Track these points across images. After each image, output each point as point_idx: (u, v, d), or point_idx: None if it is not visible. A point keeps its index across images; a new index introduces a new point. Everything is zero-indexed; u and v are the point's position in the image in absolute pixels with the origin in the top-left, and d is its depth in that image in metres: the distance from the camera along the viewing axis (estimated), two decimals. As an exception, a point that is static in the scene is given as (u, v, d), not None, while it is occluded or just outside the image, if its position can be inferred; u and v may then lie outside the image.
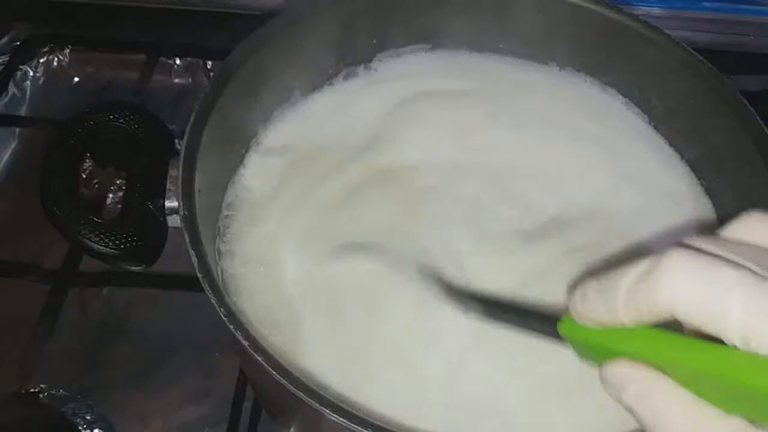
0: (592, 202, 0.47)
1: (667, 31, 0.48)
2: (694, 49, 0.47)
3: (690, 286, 0.22)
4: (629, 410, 0.24)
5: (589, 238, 0.44)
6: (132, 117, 0.43)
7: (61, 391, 0.52)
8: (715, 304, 0.21)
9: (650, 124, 0.51)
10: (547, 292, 0.41)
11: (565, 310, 0.27)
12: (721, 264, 0.22)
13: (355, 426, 0.32)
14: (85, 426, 0.50)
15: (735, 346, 0.21)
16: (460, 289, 0.41)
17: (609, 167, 0.49)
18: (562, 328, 0.27)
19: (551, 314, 0.28)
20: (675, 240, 0.23)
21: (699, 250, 0.23)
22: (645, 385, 0.24)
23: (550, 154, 0.49)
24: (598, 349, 0.25)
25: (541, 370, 0.39)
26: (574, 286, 0.26)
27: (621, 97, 0.52)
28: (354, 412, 0.32)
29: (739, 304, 0.21)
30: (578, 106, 0.52)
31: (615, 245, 0.44)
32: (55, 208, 0.40)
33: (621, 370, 0.24)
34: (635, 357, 0.24)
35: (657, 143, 0.51)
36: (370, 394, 0.38)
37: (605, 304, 0.24)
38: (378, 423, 0.32)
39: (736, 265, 0.22)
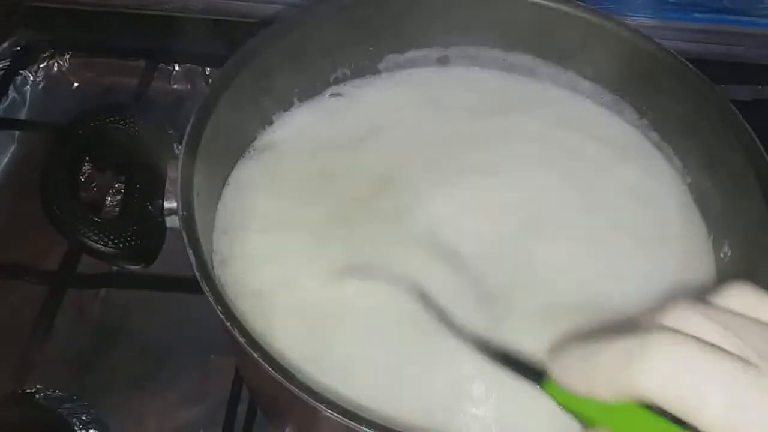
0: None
1: (658, 41, 0.49)
2: (685, 59, 0.48)
3: (669, 378, 0.21)
4: None
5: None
6: (132, 119, 0.44)
7: (57, 392, 0.52)
8: (693, 398, 0.21)
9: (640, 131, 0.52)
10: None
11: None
12: (703, 352, 0.21)
13: (351, 422, 0.32)
14: (80, 426, 0.50)
15: None
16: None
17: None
18: (546, 387, 0.27)
19: (540, 368, 0.27)
20: (661, 307, 0.23)
21: (680, 332, 0.22)
22: None
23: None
24: (580, 414, 0.25)
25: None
26: (555, 349, 0.25)
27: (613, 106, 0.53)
28: (350, 408, 0.32)
29: (719, 400, 0.20)
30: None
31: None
32: (54, 207, 0.40)
33: None
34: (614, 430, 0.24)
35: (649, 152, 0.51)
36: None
37: (585, 378, 0.24)
38: (373, 419, 0.32)
39: (720, 352, 0.21)
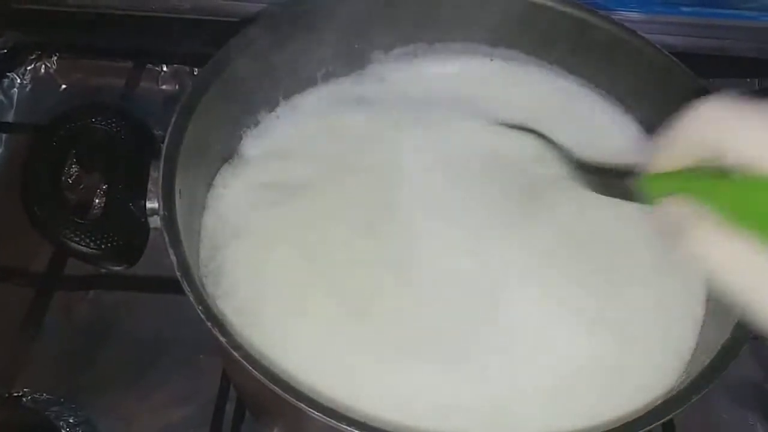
0: None
1: (645, 35, 0.49)
2: (672, 53, 0.48)
3: (716, 122, 0.31)
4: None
5: None
6: (113, 119, 0.44)
7: (44, 394, 0.51)
8: (730, 141, 0.30)
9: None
10: None
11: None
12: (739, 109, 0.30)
13: (334, 422, 0.32)
14: (68, 429, 0.50)
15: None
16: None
17: None
18: (639, 182, 0.36)
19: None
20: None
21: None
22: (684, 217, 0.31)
23: None
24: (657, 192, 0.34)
25: None
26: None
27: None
28: (332, 407, 0.32)
29: (748, 140, 0.29)
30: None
31: None
32: (36, 209, 0.40)
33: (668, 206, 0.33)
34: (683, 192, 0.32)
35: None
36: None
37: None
38: (356, 418, 0.32)
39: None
